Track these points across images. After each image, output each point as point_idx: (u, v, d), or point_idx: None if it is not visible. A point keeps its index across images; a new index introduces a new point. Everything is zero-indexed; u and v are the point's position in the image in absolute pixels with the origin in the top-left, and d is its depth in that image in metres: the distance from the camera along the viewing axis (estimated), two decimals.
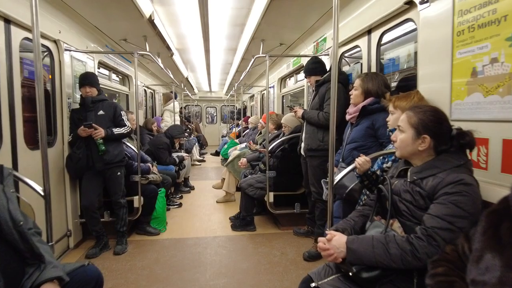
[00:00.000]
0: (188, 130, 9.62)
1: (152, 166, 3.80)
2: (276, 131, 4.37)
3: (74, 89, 3.23)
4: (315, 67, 3.10)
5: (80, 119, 2.99)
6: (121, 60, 4.96)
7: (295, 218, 3.71)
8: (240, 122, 8.91)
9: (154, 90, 7.88)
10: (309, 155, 3.01)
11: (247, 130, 6.93)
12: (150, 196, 3.52)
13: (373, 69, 2.65)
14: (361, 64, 2.88)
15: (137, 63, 5.50)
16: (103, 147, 2.94)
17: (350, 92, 2.40)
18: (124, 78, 5.63)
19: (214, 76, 9.19)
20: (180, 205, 4.64)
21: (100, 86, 4.58)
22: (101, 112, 3.06)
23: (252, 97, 10.58)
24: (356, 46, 2.98)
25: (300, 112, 3.08)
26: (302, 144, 3.18)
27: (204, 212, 4.41)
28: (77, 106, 3.15)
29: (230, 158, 4.97)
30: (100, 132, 2.93)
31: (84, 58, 3.47)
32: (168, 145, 4.75)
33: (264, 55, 3.45)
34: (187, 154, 5.58)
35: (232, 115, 12.05)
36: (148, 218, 3.59)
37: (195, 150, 8.84)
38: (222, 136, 11.77)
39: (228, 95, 11.25)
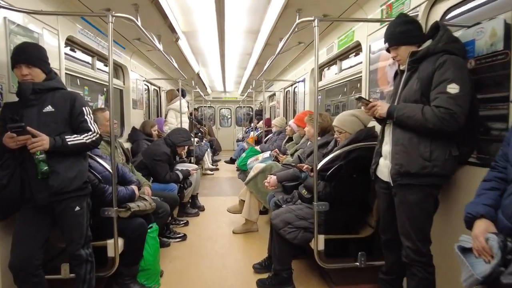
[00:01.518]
0: (199, 134, 8.47)
1: (140, 189, 2.57)
2: (319, 138, 3.08)
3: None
4: (407, 31, 1.80)
5: (15, 120, 1.79)
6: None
7: (355, 271, 2.42)
8: (259, 124, 7.64)
9: (159, 87, 6.72)
10: (402, 183, 1.72)
11: (270, 135, 5.65)
12: (133, 236, 2.29)
13: None
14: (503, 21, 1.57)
15: (132, 50, 4.33)
16: (45, 167, 1.73)
17: None
18: (117, 69, 4.46)
19: (229, 72, 7.95)
20: (183, 237, 3.39)
21: (80, 76, 3.50)
22: (48, 108, 1.85)
23: (272, 96, 9.32)
24: None
25: (383, 108, 1.80)
26: (382, 162, 1.90)
27: (216, 250, 3.15)
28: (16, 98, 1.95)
29: (251, 173, 3.71)
30: (41, 141, 1.72)
31: (37, 28, 2.28)
32: (169, 156, 3.52)
33: (312, 18, 2.18)
34: (196, 167, 4.35)
35: (250, 116, 10.79)
36: (133, 270, 2.36)
37: (207, 157, 7.63)
38: (237, 141, 10.55)
39: (245, 95, 10.01)
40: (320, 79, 4.75)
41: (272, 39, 4.16)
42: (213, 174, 7.51)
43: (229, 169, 8.00)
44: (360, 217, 2.42)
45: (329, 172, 2.23)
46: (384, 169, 1.89)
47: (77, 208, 1.88)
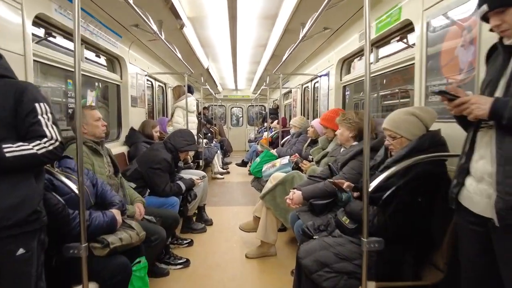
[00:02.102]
0: (209, 134, 7.90)
1: (125, 213, 1.96)
2: (355, 143, 2.44)
3: None
4: None
5: None
6: (102, 30, 3.21)
7: None
8: (273, 124, 7.00)
9: (165, 84, 6.15)
10: None
11: (288, 137, 5.01)
12: (112, 282, 1.68)
13: None
14: None
15: (131, 40, 3.77)
16: None
17: None
18: (114, 61, 3.89)
19: (241, 67, 7.34)
20: (186, 263, 2.78)
21: (61, 67, 2.90)
22: None
23: (286, 94, 8.66)
24: None
25: (482, 104, 1.13)
26: (473, 186, 1.24)
27: (225, 283, 2.52)
28: None
29: (268, 185, 3.08)
30: None
31: None
32: (169, 163, 2.91)
33: None
34: (202, 174, 3.75)
35: (262, 115, 10.17)
36: None
37: (217, 159, 7.04)
38: (249, 141, 9.94)
39: (257, 93, 9.38)
40: (349, 72, 4.06)
41: (293, 24, 3.51)
42: (223, 178, 6.92)
43: (240, 172, 7.38)
44: (424, 256, 1.75)
45: (385, 196, 1.58)
46: (478, 197, 1.23)
47: (21, 251, 1.28)
